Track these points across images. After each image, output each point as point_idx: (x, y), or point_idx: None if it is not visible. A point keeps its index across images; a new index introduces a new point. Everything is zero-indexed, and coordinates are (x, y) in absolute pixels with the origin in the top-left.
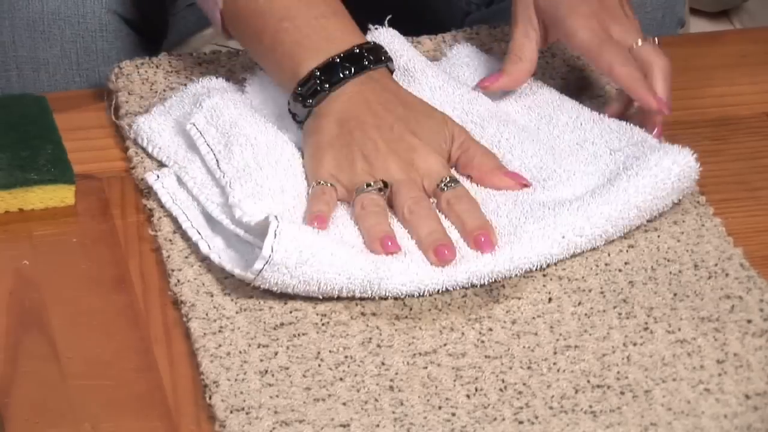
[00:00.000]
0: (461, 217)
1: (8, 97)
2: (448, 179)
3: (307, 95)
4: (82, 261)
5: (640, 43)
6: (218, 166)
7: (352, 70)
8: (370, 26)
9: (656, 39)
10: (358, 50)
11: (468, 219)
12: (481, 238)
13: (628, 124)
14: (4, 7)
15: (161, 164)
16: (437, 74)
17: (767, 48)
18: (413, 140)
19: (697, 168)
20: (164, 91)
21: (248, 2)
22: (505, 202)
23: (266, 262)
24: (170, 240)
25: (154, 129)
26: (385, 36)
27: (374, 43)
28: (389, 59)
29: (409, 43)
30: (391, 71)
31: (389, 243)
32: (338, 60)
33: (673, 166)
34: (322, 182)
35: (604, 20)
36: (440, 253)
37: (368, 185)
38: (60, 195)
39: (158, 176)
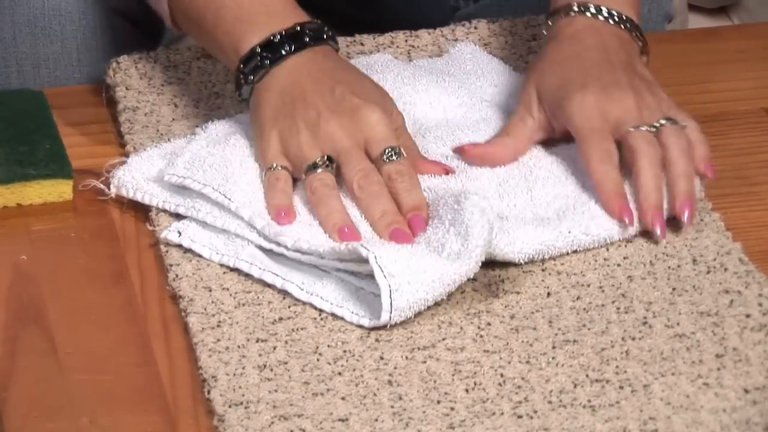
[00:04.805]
0: (399, 195)
1: (6, 93)
2: (390, 149)
3: (249, 72)
4: (80, 256)
5: (662, 122)
6: (227, 197)
7: (293, 47)
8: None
9: (683, 122)
10: (299, 28)
11: (405, 198)
12: (414, 219)
13: None
14: (4, 3)
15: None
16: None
17: (765, 44)
18: (355, 99)
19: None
20: (162, 86)
21: None
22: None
23: (385, 322)
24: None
25: (138, 178)
26: (380, 60)
27: (317, 22)
28: (332, 38)
29: (402, 63)
30: (336, 50)
31: (346, 231)
32: (279, 38)
33: None
34: (273, 167)
35: (607, 100)
36: (397, 237)
37: (315, 165)
38: (58, 190)
39: (180, 232)
